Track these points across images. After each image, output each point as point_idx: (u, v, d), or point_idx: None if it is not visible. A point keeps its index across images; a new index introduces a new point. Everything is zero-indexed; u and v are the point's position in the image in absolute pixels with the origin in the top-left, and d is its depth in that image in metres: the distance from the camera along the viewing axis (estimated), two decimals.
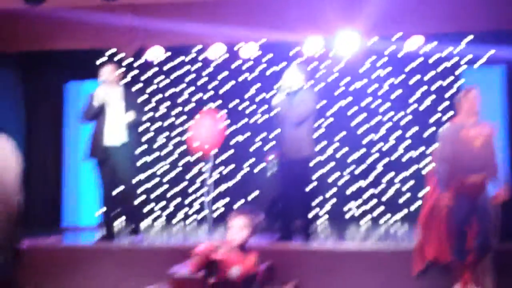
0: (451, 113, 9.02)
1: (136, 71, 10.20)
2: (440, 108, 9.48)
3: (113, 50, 9.66)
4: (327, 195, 9.73)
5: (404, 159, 9.58)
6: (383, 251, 6.67)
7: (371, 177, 9.66)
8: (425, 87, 9.60)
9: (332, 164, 9.79)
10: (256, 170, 9.83)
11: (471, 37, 9.15)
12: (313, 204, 9.10)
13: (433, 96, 9.56)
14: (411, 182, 9.48)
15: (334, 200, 9.74)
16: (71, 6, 8.45)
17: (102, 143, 7.35)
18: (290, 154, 7.03)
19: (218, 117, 8.09)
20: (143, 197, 9.95)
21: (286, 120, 7.06)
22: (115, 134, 7.35)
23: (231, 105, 10.07)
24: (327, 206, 9.74)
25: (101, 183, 7.46)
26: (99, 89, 7.36)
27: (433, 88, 9.57)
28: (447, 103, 9.39)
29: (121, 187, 7.41)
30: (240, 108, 10.06)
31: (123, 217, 8.31)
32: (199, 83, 10.17)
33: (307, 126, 7.05)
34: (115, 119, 7.35)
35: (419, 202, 9.02)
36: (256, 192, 9.41)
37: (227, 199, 9.87)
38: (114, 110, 7.38)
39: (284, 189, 7.17)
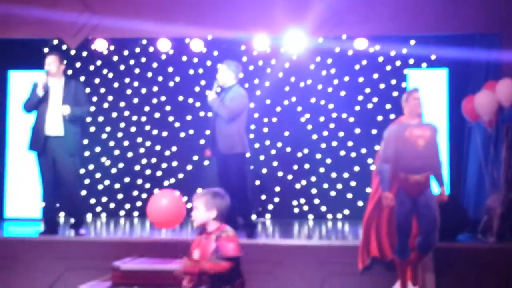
0: (395, 113, 9.20)
1: (80, 63, 10.04)
2: (384, 109, 9.65)
3: (58, 40, 9.51)
4: (273, 192, 9.79)
5: (349, 158, 9.71)
6: (328, 247, 6.76)
7: (317, 175, 9.76)
8: (370, 88, 9.76)
9: (278, 161, 9.85)
10: (202, 165, 9.81)
11: (413, 41, 9.37)
12: (255, 200, 9.22)
13: (378, 97, 9.73)
14: (357, 180, 9.62)
15: (280, 197, 9.80)
16: None
17: (43, 134, 7.23)
18: (223, 151, 7.12)
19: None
20: (88, 189, 9.80)
21: (218, 117, 7.14)
22: (56, 125, 7.24)
23: (177, 100, 10.02)
24: (273, 203, 9.80)
25: (42, 174, 7.34)
26: (42, 78, 7.23)
27: (378, 88, 9.73)
28: (391, 104, 9.56)
29: (63, 180, 7.29)
30: (186, 103, 10.02)
31: (66, 210, 8.17)
32: (145, 77, 10.08)
33: (238, 123, 7.14)
34: (57, 109, 7.25)
35: (364, 200, 9.16)
36: (200, 190, 9.37)
37: None
38: (56, 100, 7.27)
39: (221, 186, 7.21)
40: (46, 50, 9.38)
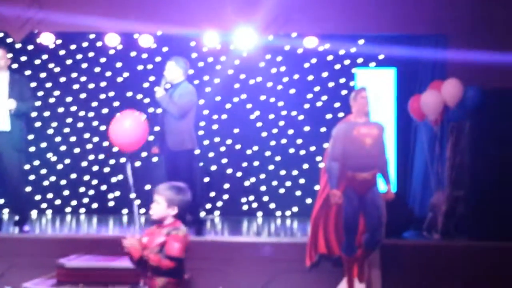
0: (344, 112, 9.28)
1: (26, 57, 9.82)
2: (333, 107, 9.71)
3: (2, 33, 9.30)
4: (223, 189, 9.75)
5: (298, 156, 9.75)
6: (277, 244, 6.78)
7: (266, 172, 9.77)
8: (319, 86, 9.81)
9: (228, 158, 9.82)
10: (151, 162, 9.73)
11: (362, 40, 9.46)
12: (204, 197, 9.19)
13: (327, 95, 9.78)
14: (306, 178, 9.66)
15: (229, 194, 9.77)
16: None
17: None
18: (172, 148, 7.12)
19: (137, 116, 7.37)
20: (33, 186, 9.61)
21: (167, 113, 7.13)
22: (2, 120, 7.12)
23: (125, 96, 9.89)
24: (222, 200, 9.77)
25: None
26: None
27: (327, 87, 9.79)
28: (340, 102, 9.63)
29: (7, 176, 7.15)
30: (134, 99, 9.90)
31: (10, 206, 8.00)
32: (92, 72, 9.91)
33: (188, 120, 7.16)
34: (2, 104, 7.11)
35: (312, 197, 9.21)
36: (149, 186, 9.30)
37: (117, 193, 9.71)
38: (1, 95, 7.13)
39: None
40: None
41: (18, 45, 9.50)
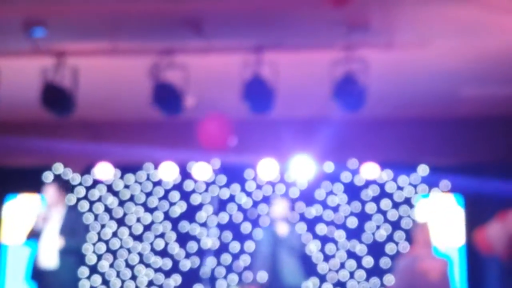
0: (406, 244, 8.91)
1: (83, 190, 9.86)
2: (395, 239, 9.34)
3: (61, 166, 9.45)
4: None
5: None
6: None
7: None
8: (380, 216, 9.47)
9: None
10: None
11: (426, 167, 9.20)
12: None
13: (388, 225, 9.42)
14: None
15: None
16: (21, 121, 8.34)
17: (38, 266, 7.09)
18: (291, 283, 7.31)
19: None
20: None
21: (283, 249, 7.32)
22: (51, 257, 7.07)
23: (181, 229, 9.73)
24: None
25: None
26: (42, 210, 7.18)
27: (388, 216, 9.45)
28: (402, 233, 9.26)
29: None
30: (191, 231, 9.72)
31: None
32: (149, 204, 9.85)
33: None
34: (52, 241, 7.10)
35: None
36: None
37: None
38: (52, 231, 7.14)
39: None
40: (47, 176, 9.30)
41: (76, 178, 9.60)
